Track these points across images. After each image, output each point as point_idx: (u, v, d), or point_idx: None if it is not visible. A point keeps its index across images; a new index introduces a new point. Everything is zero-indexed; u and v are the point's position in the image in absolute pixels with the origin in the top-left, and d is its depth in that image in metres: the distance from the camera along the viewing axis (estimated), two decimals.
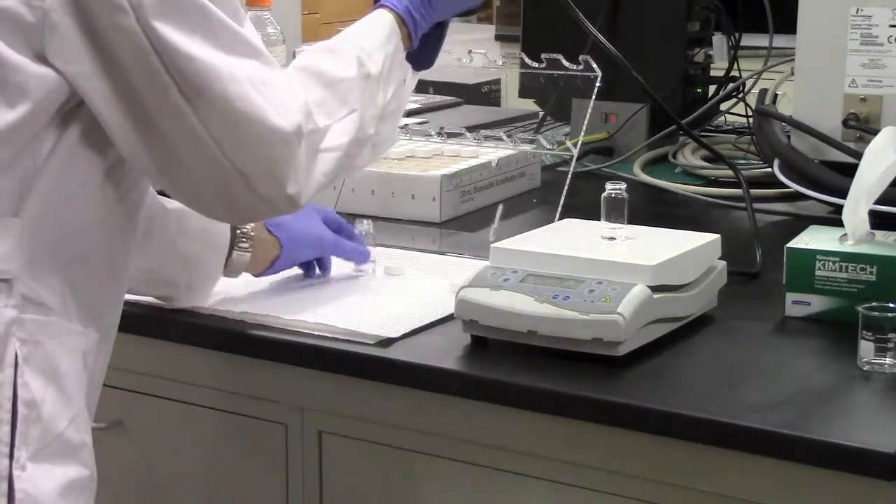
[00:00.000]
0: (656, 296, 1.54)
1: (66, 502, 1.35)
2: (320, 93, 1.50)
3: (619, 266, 1.55)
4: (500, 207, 2.06)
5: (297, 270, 1.83)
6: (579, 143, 1.99)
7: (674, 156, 2.50)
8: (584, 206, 1.83)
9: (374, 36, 1.58)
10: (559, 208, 1.90)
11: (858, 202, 1.64)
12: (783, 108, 2.22)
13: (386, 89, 1.57)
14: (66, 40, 1.30)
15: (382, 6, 1.59)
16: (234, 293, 1.73)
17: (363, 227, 1.87)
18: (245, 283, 1.77)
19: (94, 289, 1.41)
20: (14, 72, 1.30)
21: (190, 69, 1.33)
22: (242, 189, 1.39)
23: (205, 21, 1.34)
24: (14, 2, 1.29)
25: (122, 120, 1.34)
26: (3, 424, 1.31)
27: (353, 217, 2.08)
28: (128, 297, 1.54)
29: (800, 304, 1.66)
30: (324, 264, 1.83)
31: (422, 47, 1.63)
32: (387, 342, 1.59)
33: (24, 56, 1.30)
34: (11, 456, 1.31)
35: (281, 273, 1.81)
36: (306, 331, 1.63)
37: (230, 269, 1.72)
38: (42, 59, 1.31)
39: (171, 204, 1.63)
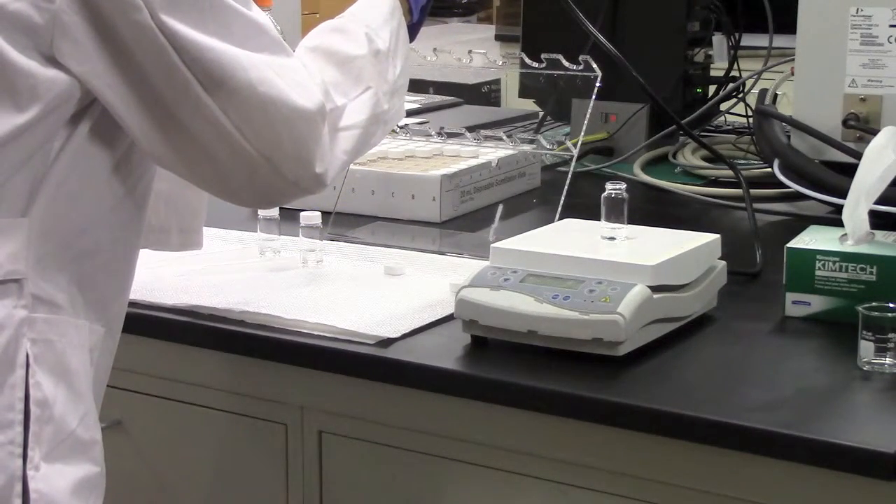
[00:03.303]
0: (656, 296, 1.54)
1: (78, 500, 1.35)
2: (334, 72, 1.51)
3: (619, 266, 1.55)
4: (500, 207, 2.06)
5: (297, 269, 1.83)
6: (579, 143, 1.99)
7: (674, 156, 2.50)
8: (584, 206, 1.83)
9: (379, 12, 1.59)
10: (559, 208, 1.90)
11: (858, 202, 1.64)
12: (783, 108, 2.22)
13: (395, 65, 1.58)
14: (77, 41, 1.30)
15: None
16: (234, 293, 1.73)
17: (312, 221, 1.85)
18: (245, 283, 1.77)
19: (101, 283, 1.41)
20: (24, 76, 1.29)
21: (209, 61, 1.33)
22: (269, 173, 1.39)
23: (216, 11, 1.34)
24: (22, 4, 1.28)
25: (140, 117, 1.34)
26: (16, 425, 1.30)
27: (353, 217, 2.09)
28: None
29: (800, 304, 1.66)
30: None
31: (417, 20, 1.65)
32: (387, 342, 1.59)
33: (33, 60, 1.29)
34: (25, 456, 1.31)
35: (281, 273, 1.82)
36: (306, 331, 1.63)
37: None
38: (52, 61, 1.30)
39: None
